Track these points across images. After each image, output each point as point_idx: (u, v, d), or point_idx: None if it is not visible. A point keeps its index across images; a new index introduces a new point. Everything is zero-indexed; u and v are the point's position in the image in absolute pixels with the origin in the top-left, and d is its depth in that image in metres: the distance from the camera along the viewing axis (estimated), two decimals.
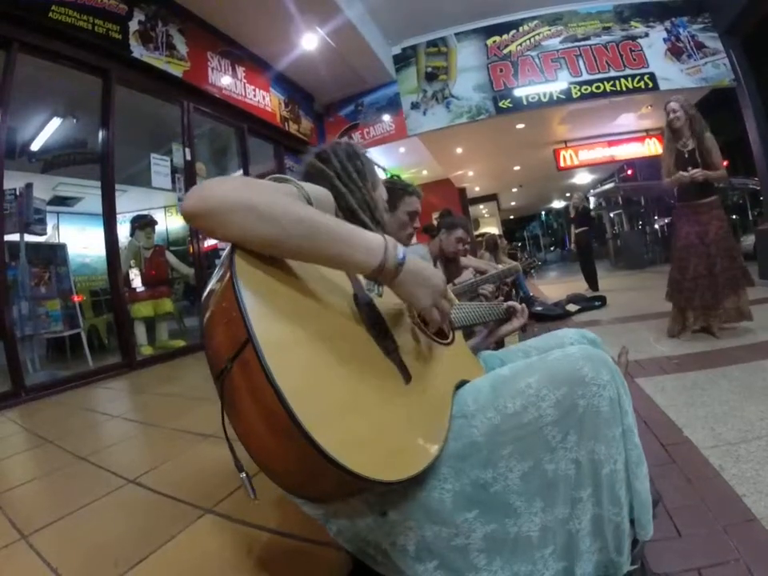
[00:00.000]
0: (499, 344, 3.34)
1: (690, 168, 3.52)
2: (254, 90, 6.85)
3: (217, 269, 0.70)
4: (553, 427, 0.80)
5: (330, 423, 0.59)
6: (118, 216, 4.61)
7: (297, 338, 0.64)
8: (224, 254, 0.69)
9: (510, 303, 1.51)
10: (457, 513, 0.80)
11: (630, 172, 15.11)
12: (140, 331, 5.04)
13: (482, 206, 18.26)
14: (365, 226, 1.07)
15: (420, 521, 0.80)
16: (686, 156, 3.59)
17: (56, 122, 6.06)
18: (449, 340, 1.06)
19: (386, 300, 0.89)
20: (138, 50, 4.76)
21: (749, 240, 8.98)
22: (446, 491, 0.80)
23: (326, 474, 0.58)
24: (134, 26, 4.74)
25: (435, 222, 4.61)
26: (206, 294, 0.69)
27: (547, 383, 0.82)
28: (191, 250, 5.70)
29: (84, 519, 1.39)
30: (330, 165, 1.17)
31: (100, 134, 4.54)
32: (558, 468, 0.81)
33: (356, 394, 0.67)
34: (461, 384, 0.95)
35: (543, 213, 38.58)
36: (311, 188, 0.88)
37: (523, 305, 1.51)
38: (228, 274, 0.63)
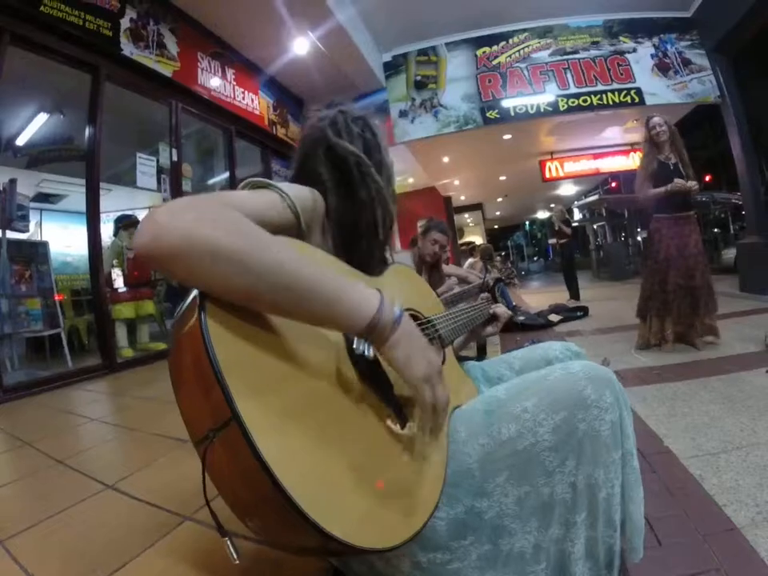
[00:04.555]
0: (482, 351, 3.38)
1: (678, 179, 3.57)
2: (243, 93, 6.84)
3: (184, 310, 0.60)
4: (550, 452, 0.77)
5: (333, 506, 0.55)
6: (101, 215, 4.56)
7: (286, 409, 0.57)
8: (190, 299, 0.59)
9: (497, 310, 1.46)
10: (451, 540, 0.78)
11: (614, 185, 15.31)
12: (121, 333, 4.96)
13: (467, 215, 18.37)
14: (368, 251, 0.95)
15: (414, 548, 0.78)
16: (672, 168, 3.65)
17: (43, 118, 5.98)
18: (441, 361, 0.96)
19: None
20: (128, 48, 4.72)
21: (730, 254, 9.15)
22: (439, 519, 0.77)
23: (329, 546, 0.56)
24: (125, 23, 4.71)
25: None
26: (173, 329, 0.60)
27: (545, 407, 0.79)
28: None
29: (62, 524, 1.36)
30: (340, 150, 0.94)
31: (87, 132, 4.48)
32: (554, 492, 0.78)
33: (355, 465, 0.62)
34: (454, 409, 0.92)
35: (527, 223, 38.95)
36: (296, 193, 0.78)
37: (506, 312, 1.49)
38: (199, 335, 0.53)
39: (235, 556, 0.60)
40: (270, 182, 0.77)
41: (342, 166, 0.93)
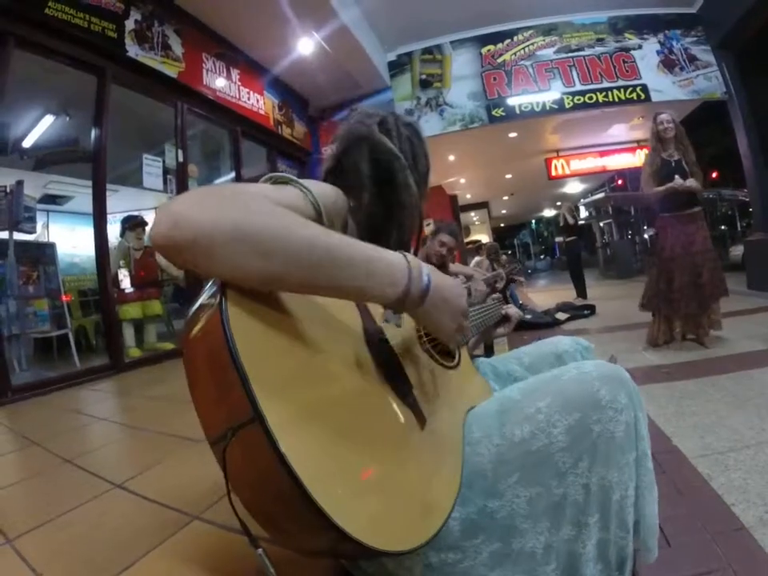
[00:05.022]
0: (489, 350, 3.38)
1: (678, 177, 3.56)
2: (249, 93, 6.85)
3: (202, 301, 0.58)
4: (563, 453, 0.76)
5: (355, 508, 0.54)
6: (108, 216, 4.58)
7: (307, 407, 0.56)
8: (209, 290, 0.58)
9: (509, 311, 1.46)
10: (463, 540, 0.78)
11: (620, 182, 15.23)
12: (128, 333, 4.99)
13: (473, 214, 18.32)
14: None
15: (425, 549, 0.75)
16: (674, 165, 3.64)
17: (49, 119, 6.01)
18: (455, 362, 1.00)
19: (400, 330, 0.82)
20: (133, 50, 4.74)
21: (737, 250, 9.09)
22: (452, 519, 0.76)
23: (345, 548, 0.56)
24: (130, 25, 4.73)
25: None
26: (189, 321, 0.58)
27: (559, 408, 0.78)
28: None
29: (70, 523, 1.37)
30: (383, 148, 0.94)
31: (93, 133, 4.51)
32: (566, 493, 0.77)
33: (375, 465, 0.61)
34: (469, 410, 0.91)
35: (533, 221, 38.86)
36: (318, 190, 0.76)
37: (518, 312, 1.49)
38: (220, 328, 0.51)
39: (272, 571, 0.56)
40: (292, 177, 0.76)
41: (384, 165, 0.93)
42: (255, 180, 0.78)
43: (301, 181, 0.76)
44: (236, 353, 0.50)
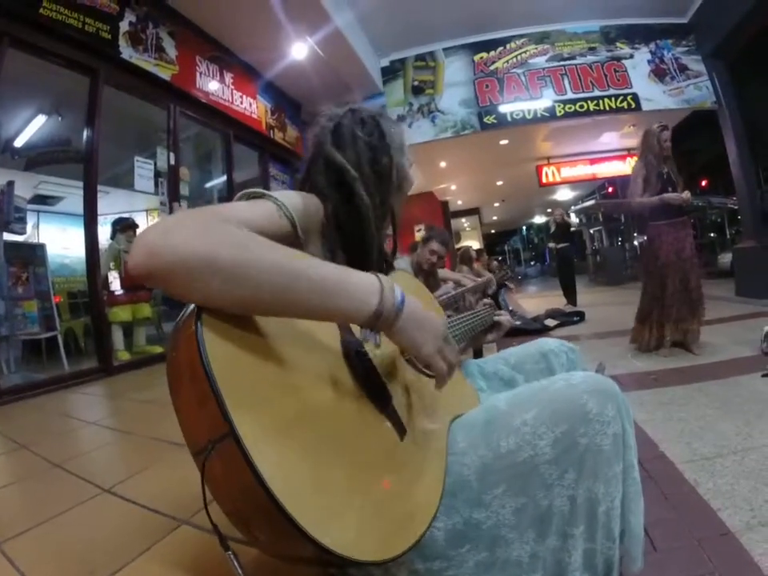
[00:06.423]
0: (478, 354, 3.39)
1: (669, 189, 3.69)
2: (242, 97, 6.83)
3: (181, 320, 0.59)
4: (549, 466, 0.76)
5: (331, 520, 0.55)
6: (99, 217, 4.55)
7: (283, 422, 0.57)
8: (189, 309, 0.58)
9: (501, 319, 1.48)
10: (449, 549, 0.78)
11: (610, 190, 15.35)
12: (117, 336, 4.94)
13: (464, 220, 18.39)
14: (368, 258, 0.94)
15: (412, 557, 0.77)
16: (666, 178, 3.75)
17: (41, 120, 5.99)
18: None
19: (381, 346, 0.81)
20: (127, 51, 4.72)
21: (726, 258, 9.17)
22: (437, 529, 0.77)
23: (326, 558, 0.55)
24: (124, 26, 4.71)
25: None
26: (171, 339, 0.60)
27: (546, 420, 0.78)
28: None
29: (58, 528, 1.36)
30: (344, 155, 0.94)
31: (85, 134, 4.48)
32: (552, 504, 0.77)
33: (353, 478, 0.62)
34: (454, 419, 0.91)
35: (524, 228, 39.06)
36: (293, 201, 0.79)
37: (510, 320, 1.51)
38: (195, 347, 0.52)
39: (240, 573, 0.58)
40: (266, 191, 0.78)
41: (336, 176, 0.93)
42: (242, 187, 0.79)
43: (274, 194, 0.77)
44: (210, 370, 0.51)
